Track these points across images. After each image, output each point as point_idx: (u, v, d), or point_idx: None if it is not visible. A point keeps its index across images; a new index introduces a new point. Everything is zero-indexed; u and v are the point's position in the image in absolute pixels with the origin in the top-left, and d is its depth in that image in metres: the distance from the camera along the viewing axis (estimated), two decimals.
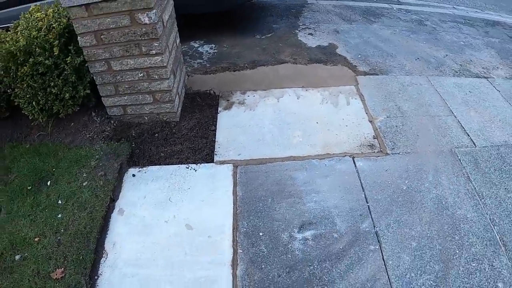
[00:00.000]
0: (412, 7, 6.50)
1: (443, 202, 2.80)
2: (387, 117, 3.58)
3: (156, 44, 2.92)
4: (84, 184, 2.96)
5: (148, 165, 3.13)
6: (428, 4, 6.80)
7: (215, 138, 3.34)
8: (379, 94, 3.87)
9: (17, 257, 2.54)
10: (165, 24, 3.06)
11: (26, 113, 3.32)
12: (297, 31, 5.07)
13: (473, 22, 6.08)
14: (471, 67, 4.57)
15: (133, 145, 3.27)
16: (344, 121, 3.50)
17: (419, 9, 6.46)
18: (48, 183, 3.04)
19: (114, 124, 3.45)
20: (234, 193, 2.86)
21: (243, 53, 4.45)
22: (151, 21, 2.80)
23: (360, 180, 2.94)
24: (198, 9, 4.52)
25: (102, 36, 2.89)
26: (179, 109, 3.54)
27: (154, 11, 2.77)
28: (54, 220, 2.73)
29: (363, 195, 2.83)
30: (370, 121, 3.52)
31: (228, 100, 3.74)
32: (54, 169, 3.13)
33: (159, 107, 3.38)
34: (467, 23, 5.98)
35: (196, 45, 4.69)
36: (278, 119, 3.50)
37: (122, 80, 3.16)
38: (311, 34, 5.03)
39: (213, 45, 4.68)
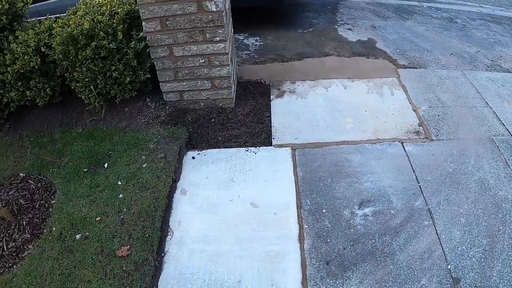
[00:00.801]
0: (441, 5, 6.73)
1: (486, 184, 3.06)
2: (429, 107, 3.84)
3: (220, 32, 3.13)
4: (144, 166, 3.05)
5: (207, 148, 3.32)
6: (455, 2, 7.03)
7: (270, 123, 3.60)
8: (420, 86, 4.13)
9: (77, 236, 2.57)
10: (227, 12, 3.29)
11: (82, 97, 3.41)
12: (336, 26, 5.34)
13: (500, 20, 6.32)
14: (501, 63, 4.81)
15: (190, 129, 3.44)
16: (390, 110, 3.76)
17: (448, 7, 6.69)
18: (106, 165, 3.09)
19: (169, 110, 3.61)
20: (295, 174, 3.11)
21: (288, 46, 4.72)
22: (218, 8, 2.99)
23: (410, 162, 3.21)
24: (239, 3, 4.76)
25: (167, 22, 3.06)
26: (234, 95, 3.76)
27: None
28: (116, 200, 2.77)
29: (414, 176, 3.10)
30: (414, 110, 3.79)
31: (279, 89, 4.01)
32: (110, 152, 3.20)
33: (216, 93, 3.57)
34: (494, 21, 6.22)
35: (241, 38, 4.97)
36: (329, 107, 3.77)
37: (183, 66, 3.33)
38: (350, 29, 5.30)
39: (258, 38, 4.96)
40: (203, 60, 3.31)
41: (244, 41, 4.90)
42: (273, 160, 3.23)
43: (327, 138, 3.43)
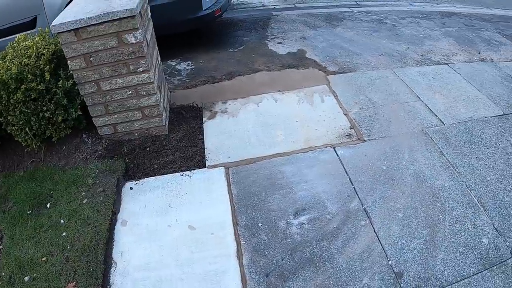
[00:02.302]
0: (371, 8, 6.91)
1: (421, 176, 3.06)
2: (360, 109, 3.85)
3: (142, 62, 3.13)
4: (84, 201, 3.03)
5: (144, 177, 3.26)
6: (386, 4, 7.24)
7: (204, 145, 3.53)
8: (350, 90, 4.15)
9: (26, 278, 2.55)
10: (148, 43, 3.27)
11: (19, 140, 3.37)
12: (267, 42, 5.36)
13: (430, 15, 6.52)
14: (432, 56, 4.92)
15: (127, 160, 3.39)
16: (321, 117, 3.75)
17: (378, 9, 6.87)
18: (48, 205, 3.08)
19: (106, 143, 3.56)
20: (229, 192, 3.04)
21: (220, 66, 4.69)
22: (137, 40, 3.01)
23: (343, 166, 3.18)
24: (169, 30, 4.75)
25: (91, 58, 3.06)
26: (167, 122, 3.72)
27: (140, 31, 2.98)
28: (59, 239, 2.78)
29: (348, 179, 3.07)
30: (345, 114, 3.79)
31: (211, 110, 3.95)
32: (52, 192, 3.19)
33: (148, 122, 3.54)
34: (424, 17, 6.41)
35: (174, 63, 4.91)
36: (260, 122, 3.73)
37: (112, 99, 3.31)
38: (280, 43, 5.33)
39: (190, 62, 4.91)
40: (130, 92, 3.29)
41: (176, 66, 4.84)
42: (207, 181, 3.16)
43: (260, 153, 3.37)
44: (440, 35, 5.65)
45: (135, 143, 3.56)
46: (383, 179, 3.05)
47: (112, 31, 2.93)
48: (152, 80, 3.26)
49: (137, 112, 3.44)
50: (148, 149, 3.51)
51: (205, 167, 3.31)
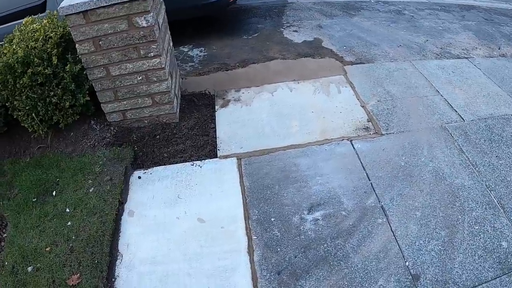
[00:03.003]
0: None
1: (440, 174, 2.95)
2: (378, 101, 3.72)
3: (154, 47, 3.01)
4: (90, 190, 2.96)
5: (153, 166, 3.18)
6: None
7: (215, 134, 3.43)
8: (368, 81, 4.02)
9: (29, 268, 2.51)
10: (160, 27, 3.16)
11: (25, 125, 3.30)
12: (282, 29, 5.22)
13: (448, 8, 6.33)
14: (451, 50, 4.76)
15: (135, 148, 3.30)
16: (338, 108, 3.63)
17: None
18: (54, 193, 3.02)
19: (114, 130, 3.47)
20: (241, 184, 2.95)
21: (233, 53, 4.57)
22: (149, 24, 2.89)
23: (360, 160, 3.07)
24: (182, 16, 4.63)
25: (100, 42, 2.96)
26: (178, 110, 3.62)
27: (151, 14, 2.87)
28: (64, 228, 2.71)
29: (365, 174, 2.96)
30: (362, 106, 3.66)
31: (224, 99, 3.84)
32: (58, 179, 3.13)
33: (158, 109, 3.43)
34: (443, 9, 6.22)
35: (186, 50, 4.80)
36: (275, 112, 3.62)
37: (121, 85, 3.22)
38: (295, 31, 5.19)
39: (202, 48, 4.79)
40: (140, 77, 3.18)
41: (188, 53, 4.73)
42: (219, 172, 3.06)
43: (274, 144, 3.27)
44: (459, 28, 5.47)
45: (145, 130, 3.46)
46: (401, 176, 2.94)
47: (122, 13, 2.82)
48: (163, 66, 3.15)
49: (147, 99, 3.34)
50: (158, 137, 3.41)
51: (216, 157, 3.21)
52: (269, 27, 5.31)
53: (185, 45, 4.90)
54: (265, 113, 3.62)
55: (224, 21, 5.64)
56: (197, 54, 4.67)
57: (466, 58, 4.56)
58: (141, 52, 3.05)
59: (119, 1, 2.75)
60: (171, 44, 3.70)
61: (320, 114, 3.56)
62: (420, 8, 6.26)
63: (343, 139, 3.27)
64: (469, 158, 3.07)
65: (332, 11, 5.92)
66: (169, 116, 3.50)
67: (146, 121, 3.50)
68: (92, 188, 2.97)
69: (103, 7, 2.76)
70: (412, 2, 6.57)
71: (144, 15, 2.85)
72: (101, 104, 3.36)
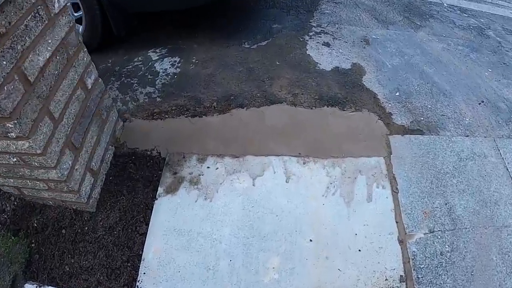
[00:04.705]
0: (466, 4, 4.73)
1: None
2: (430, 232, 2.14)
3: (10, 125, 1.47)
4: None
5: (48, 285, 2.04)
6: (484, 0, 5.01)
7: (142, 251, 2.04)
8: (422, 178, 2.39)
9: None
10: (33, 79, 1.57)
11: None
12: (306, 38, 3.47)
13: None
14: None
15: (32, 245, 2.15)
16: (357, 239, 2.07)
17: (476, 7, 4.70)
18: None
19: (15, 203, 2.33)
20: None
21: (217, 78, 2.92)
22: None
23: None
24: (158, 6, 2.97)
25: None
26: (95, 193, 2.21)
27: None
28: None
29: None
30: (401, 241, 2.09)
31: (175, 174, 2.32)
32: None
33: (60, 195, 2.07)
34: None
35: (154, 57, 3.16)
36: (248, 226, 2.10)
37: None
38: (327, 43, 3.43)
39: (177, 59, 3.14)
40: (15, 159, 1.78)
41: (155, 64, 3.09)
42: None
43: None
44: None
45: (50, 214, 2.26)
46: None
47: None
48: (39, 152, 1.64)
49: (38, 182, 1.98)
50: (63, 231, 2.19)
51: None
52: (288, 30, 3.55)
53: (157, 47, 3.26)
54: (231, 225, 2.10)
55: (231, 11, 3.86)
56: (165, 69, 3.03)
57: None
58: None
59: None
60: (93, 77, 2.09)
61: (323, 249, 2.02)
62: (508, 28, 4.31)
63: None
64: None
65: (388, 15, 4.06)
66: (78, 204, 2.16)
67: (50, 202, 2.24)
68: None
69: None
70: (497, 15, 4.60)
71: None
72: None
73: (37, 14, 1.53)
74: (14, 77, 1.42)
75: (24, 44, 1.47)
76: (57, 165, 1.77)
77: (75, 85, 1.87)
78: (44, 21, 1.58)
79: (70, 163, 1.87)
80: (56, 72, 1.69)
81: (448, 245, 2.12)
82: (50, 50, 1.64)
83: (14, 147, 1.64)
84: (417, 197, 2.30)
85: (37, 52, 1.55)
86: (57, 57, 1.69)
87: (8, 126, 1.50)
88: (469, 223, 2.23)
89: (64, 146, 1.81)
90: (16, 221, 2.24)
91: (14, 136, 1.56)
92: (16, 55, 1.42)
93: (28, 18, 1.48)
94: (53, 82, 1.67)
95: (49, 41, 1.63)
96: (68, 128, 1.83)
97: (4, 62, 1.36)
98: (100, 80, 2.14)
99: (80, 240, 2.11)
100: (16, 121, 1.47)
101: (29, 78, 1.51)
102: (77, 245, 2.10)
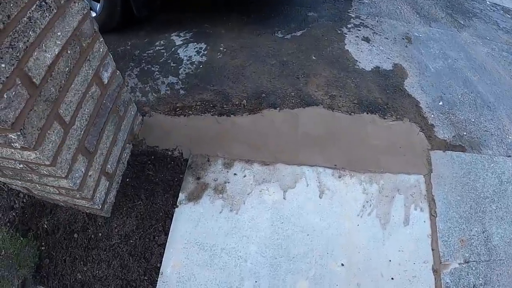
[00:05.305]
0: (508, 2, 4.41)
1: None
2: (465, 263, 2.01)
3: (13, 137, 1.28)
4: None
5: None
6: None
7: (160, 263, 1.90)
8: (462, 202, 2.22)
9: None
10: (40, 80, 1.36)
11: None
12: (344, 30, 3.22)
13: None
14: None
15: (42, 248, 2.01)
16: (391, 266, 1.93)
17: None
18: None
19: (24, 200, 2.18)
20: None
21: (246, 69, 2.71)
22: None
23: None
24: None
25: None
26: (110, 197, 2.04)
27: None
28: None
29: None
30: (435, 271, 1.94)
31: (198, 178, 2.15)
32: None
33: (72, 199, 1.90)
34: None
35: (178, 42, 2.93)
36: (276, 245, 1.95)
37: (2, 165, 1.65)
38: (366, 39, 3.18)
39: (203, 45, 2.91)
40: (21, 166, 1.59)
41: (178, 50, 2.87)
42: None
43: None
44: None
45: (61, 216, 2.11)
46: None
47: None
48: (47, 162, 1.47)
49: (49, 188, 1.80)
50: (75, 236, 2.06)
51: None
52: (325, 20, 3.30)
53: (181, 31, 3.03)
54: (258, 241, 1.95)
55: None
56: (190, 56, 2.81)
57: None
58: None
59: None
60: (110, 69, 1.88)
61: (355, 274, 1.88)
62: None
63: None
64: None
65: (430, 9, 3.78)
66: (91, 209, 2.01)
67: (62, 203, 2.10)
68: None
69: None
70: None
71: None
72: None
73: (43, 3, 1.29)
74: (16, 81, 1.21)
75: (28, 40, 1.24)
76: (69, 174, 1.60)
77: (89, 81, 1.64)
78: (53, 10, 1.34)
79: (83, 170, 1.70)
80: (67, 69, 1.47)
81: (481, 278, 1.98)
82: (60, 44, 1.41)
83: (19, 155, 1.47)
84: (455, 223, 2.14)
85: (44, 48, 1.32)
86: (68, 52, 1.46)
87: (11, 137, 1.31)
88: (504, 254, 2.08)
89: (76, 153, 1.62)
90: (25, 221, 2.11)
91: (19, 147, 1.38)
92: (18, 54, 1.20)
93: (32, 9, 1.24)
94: (63, 82, 1.46)
95: (58, 33, 1.39)
96: (81, 131, 1.64)
97: (3, 65, 1.15)
98: (118, 72, 1.91)
99: (93, 246, 1.99)
100: (19, 132, 1.28)
101: (34, 80, 1.30)
102: (90, 252, 1.98)
